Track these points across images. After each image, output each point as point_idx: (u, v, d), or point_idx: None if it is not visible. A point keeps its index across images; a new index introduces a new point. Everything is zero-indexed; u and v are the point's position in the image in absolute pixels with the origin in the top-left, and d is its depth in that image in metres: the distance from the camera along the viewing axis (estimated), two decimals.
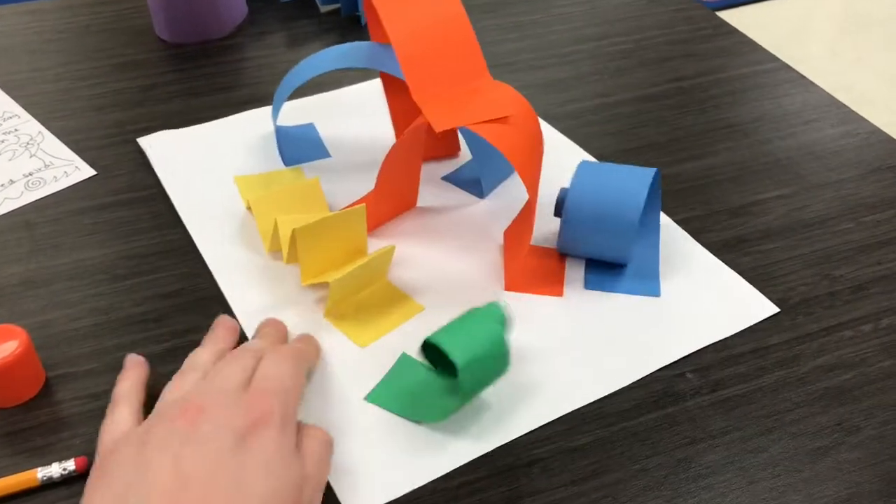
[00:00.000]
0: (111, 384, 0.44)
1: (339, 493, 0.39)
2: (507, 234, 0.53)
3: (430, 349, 0.44)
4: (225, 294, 0.49)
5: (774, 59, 0.73)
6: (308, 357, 0.44)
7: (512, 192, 0.57)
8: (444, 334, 0.41)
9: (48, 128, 0.63)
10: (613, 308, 0.49)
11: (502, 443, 0.42)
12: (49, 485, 0.40)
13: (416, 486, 0.40)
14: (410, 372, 0.45)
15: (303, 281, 0.48)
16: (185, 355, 0.42)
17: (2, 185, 0.57)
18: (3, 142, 0.61)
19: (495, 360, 0.41)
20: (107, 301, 0.49)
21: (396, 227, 0.55)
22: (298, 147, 0.61)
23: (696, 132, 0.64)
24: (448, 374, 0.44)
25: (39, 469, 0.40)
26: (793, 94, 0.68)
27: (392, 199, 0.54)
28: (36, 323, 0.48)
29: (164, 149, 0.60)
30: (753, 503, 0.39)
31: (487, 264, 0.52)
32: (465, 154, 0.61)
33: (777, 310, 0.49)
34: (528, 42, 0.75)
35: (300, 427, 0.38)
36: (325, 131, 0.63)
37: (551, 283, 0.50)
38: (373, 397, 0.44)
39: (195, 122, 0.64)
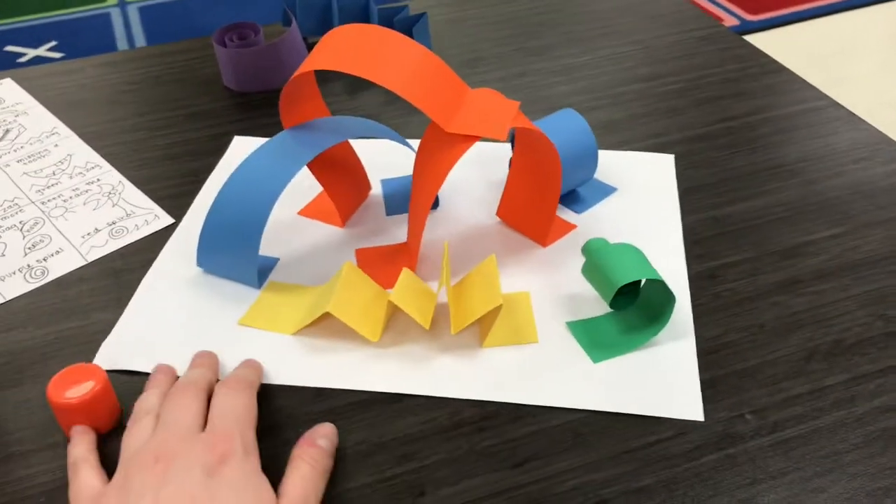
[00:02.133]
0: None
1: None
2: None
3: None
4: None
5: (823, 96, 0.74)
6: (254, 383, 0.47)
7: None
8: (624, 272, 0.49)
9: (127, 177, 0.67)
10: None
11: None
12: None
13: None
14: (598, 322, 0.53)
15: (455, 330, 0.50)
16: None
17: (88, 234, 0.61)
18: (87, 191, 0.65)
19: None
20: None
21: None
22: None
23: (745, 172, 0.65)
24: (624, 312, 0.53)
25: None
26: (842, 132, 0.70)
27: (349, 189, 0.61)
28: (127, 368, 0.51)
29: None
30: None
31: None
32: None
33: (701, 418, 0.47)
34: (580, 84, 0.77)
35: (295, 452, 0.43)
36: None
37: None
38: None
39: None
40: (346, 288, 0.51)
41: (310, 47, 0.84)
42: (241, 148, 0.70)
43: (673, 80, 0.78)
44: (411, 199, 0.55)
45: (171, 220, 0.62)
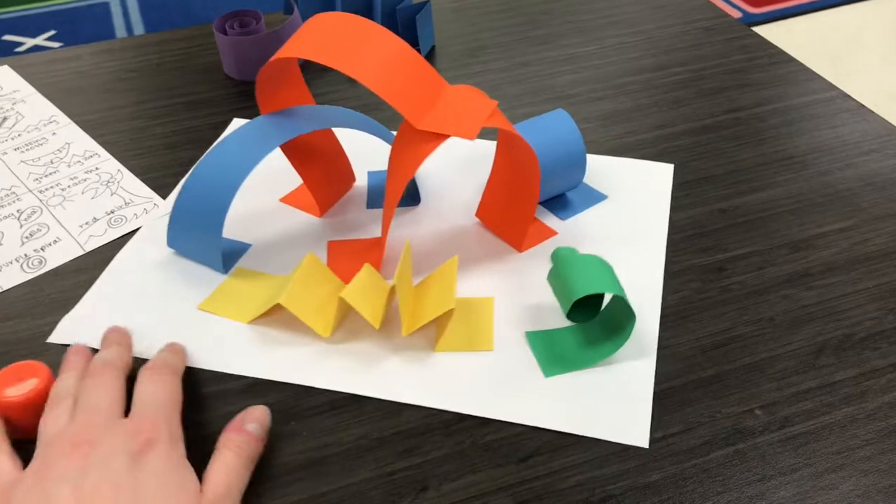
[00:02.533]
0: (187, 420, 0.46)
1: None
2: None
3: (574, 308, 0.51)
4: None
5: (831, 87, 0.73)
6: (178, 368, 0.46)
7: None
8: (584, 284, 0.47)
9: (126, 166, 0.66)
10: None
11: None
12: None
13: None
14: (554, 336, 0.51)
15: (405, 332, 0.49)
16: (265, 392, 0.44)
17: (86, 223, 0.60)
18: (85, 180, 0.64)
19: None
20: None
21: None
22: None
23: (753, 164, 0.65)
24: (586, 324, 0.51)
25: None
26: (851, 124, 0.69)
27: (329, 179, 0.60)
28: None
29: None
30: None
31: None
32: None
33: (646, 446, 0.45)
34: (585, 74, 0.76)
35: (221, 439, 0.42)
36: None
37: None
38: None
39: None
40: (303, 280, 0.50)
41: None
42: None
43: (679, 71, 0.77)
44: (385, 194, 0.54)
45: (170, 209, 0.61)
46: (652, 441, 0.45)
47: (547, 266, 0.56)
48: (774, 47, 0.80)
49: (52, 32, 2.25)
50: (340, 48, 0.49)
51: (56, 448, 0.39)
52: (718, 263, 0.56)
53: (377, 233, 0.59)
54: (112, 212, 0.61)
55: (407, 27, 0.80)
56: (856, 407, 0.46)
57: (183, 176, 0.65)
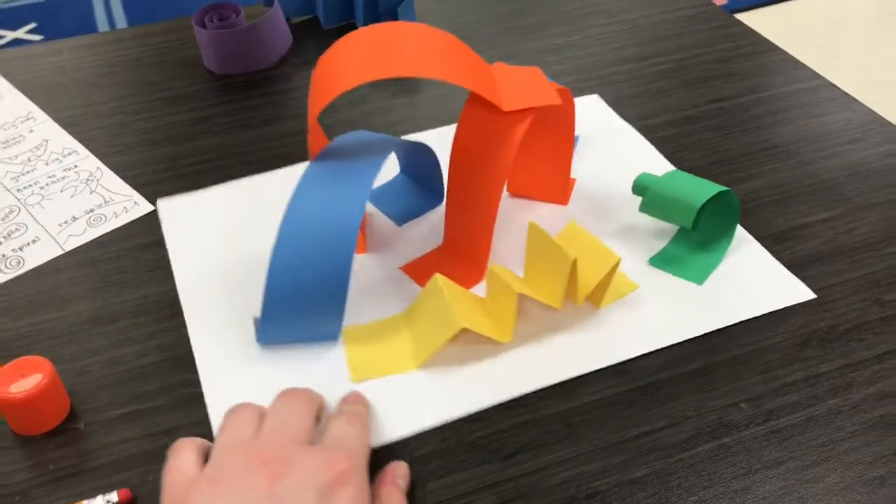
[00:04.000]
0: (180, 420, 0.46)
1: None
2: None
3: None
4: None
5: (816, 76, 0.73)
6: (367, 418, 0.44)
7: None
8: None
9: (105, 163, 0.65)
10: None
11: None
12: None
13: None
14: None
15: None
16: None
17: (65, 222, 0.59)
18: (63, 178, 0.63)
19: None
20: (172, 337, 0.51)
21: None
22: None
23: (738, 154, 0.64)
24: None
25: (85, 501, 0.42)
26: (835, 113, 0.68)
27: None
28: (105, 360, 0.50)
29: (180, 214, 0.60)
30: None
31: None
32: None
33: (814, 295, 0.52)
34: (568, 65, 0.76)
35: (384, 492, 0.40)
36: None
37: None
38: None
39: (245, 154, 0.66)
40: (455, 299, 0.47)
41: (292, 28, 0.82)
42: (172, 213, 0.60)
43: (662, 61, 0.76)
44: (461, 195, 0.52)
45: (150, 208, 0.60)
46: (639, 435, 0.45)
47: (595, 208, 0.59)
48: (759, 36, 0.79)
49: (32, 25, 2.22)
50: (398, 55, 0.46)
51: (237, 456, 0.36)
52: None
53: (421, 244, 0.56)
54: (91, 210, 0.60)
55: (388, 17, 0.79)
56: (841, 399, 0.46)
57: (163, 174, 0.64)
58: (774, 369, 0.48)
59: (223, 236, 0.57)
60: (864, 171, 0.62)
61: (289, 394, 0.42)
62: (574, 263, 0.46)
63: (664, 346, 0.49)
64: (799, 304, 0.51)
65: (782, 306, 0.51)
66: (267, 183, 0.62)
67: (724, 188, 0.53)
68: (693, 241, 0.55)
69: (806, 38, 2.16)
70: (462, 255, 0.54)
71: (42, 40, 2.14)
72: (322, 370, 0.48)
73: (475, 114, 0.51)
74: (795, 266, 0.54)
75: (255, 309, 0.48)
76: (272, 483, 0.35)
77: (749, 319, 0.50)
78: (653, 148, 0.64)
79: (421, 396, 0.47)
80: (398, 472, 0.42)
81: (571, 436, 0.45)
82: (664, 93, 0.72)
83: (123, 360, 0.50)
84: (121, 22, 2.22)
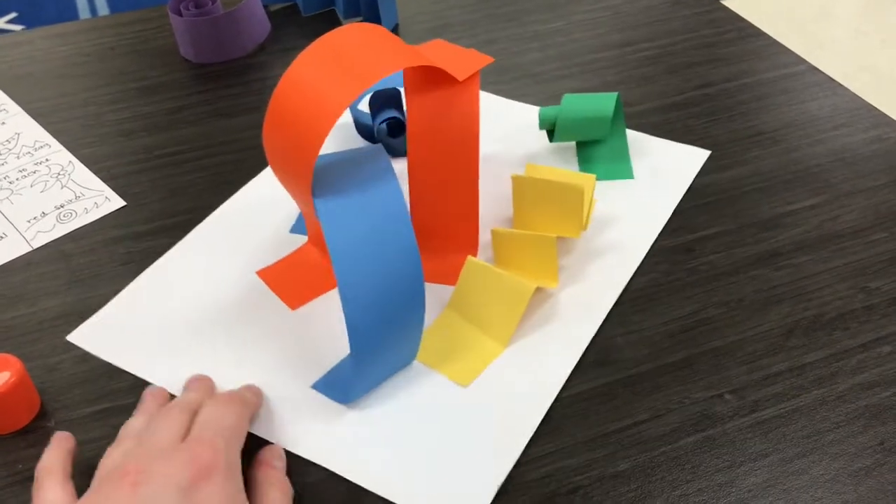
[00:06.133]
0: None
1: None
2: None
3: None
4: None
5: (801, 61, 0.72)
6: (250, 402, 0.43)
7: None
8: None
9: (77, 156, 0.64)
10: None
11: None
12: None
13: None
14: None
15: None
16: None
17: (35, 218, 0.57)
18: (34, 172, 0.62)
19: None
20: None
21: None
22: None
23: (724, 141, 0.63)
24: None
25: None
26: (821, 98, 0.68)
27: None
28: (76, 357, 0.48)
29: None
30: None
31: None
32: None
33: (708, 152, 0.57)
34: (551, 51, 0.75)
35: (261, 474, 0.39)
36: None
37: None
38: None
39: (223, 145, 0.65)
40: (505, 269, 0.50)
41: (270, 16, 0.81)
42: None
43: (647, 47, 0.75)
44: (434, 180, 0.51)
45: (122, 203, 0.59)
46: (622, 429, 0.44)
47: None
48: (744, 21, 0.78)
49: (13, 14, 2.19)
50: (352, 72, 0.43)
51: (108, 479, 0.36)
52: (688, 244, 0.54)
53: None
54: (62, 206, 0.58)
55: (369, 5, 0.77)
56: (826, 389, 0.45)
57: (137, 165, 0.63)
58: (759, 359, 0.47)
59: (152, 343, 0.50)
60: (851, 158, 0.61)
61: (159, 412, 0.41)
62: (583, 191, 0.50)
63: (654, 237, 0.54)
64: (785, 293, 0.51)
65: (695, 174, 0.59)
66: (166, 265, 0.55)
67: (614, 94, 0.59)
68: (603, 150, 0.60)
69: (791, 23, 2.15)
70: (443, 244, 0.53)
71: (24, 29, 2.11)
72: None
73: (424, 93, 0.49)
74: (780, 254, 0.53)
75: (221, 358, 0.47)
76: (133, 491, 0.35)
77: (733, 307, 0.50)
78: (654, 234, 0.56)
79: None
80: (273, 453, 0.42)
81: (552, 430, 0.44)
82: (649, 79, 0.71)
83: (95, 357, 0.48)
84: (103, 10, 2.19)
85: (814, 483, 0.41)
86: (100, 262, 0.55)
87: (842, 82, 0.69)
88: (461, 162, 0.51)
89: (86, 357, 0.48)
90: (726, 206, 0.57)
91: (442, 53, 0.50)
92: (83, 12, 2.18)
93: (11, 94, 0.72)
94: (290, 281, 0.52)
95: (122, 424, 0.44)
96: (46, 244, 0.56)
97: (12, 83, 0.73)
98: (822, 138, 0.63)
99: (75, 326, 0.50)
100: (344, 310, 0.41)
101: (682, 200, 0.58)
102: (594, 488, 0.41)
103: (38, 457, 0.43)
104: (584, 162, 0.61)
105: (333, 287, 0.51)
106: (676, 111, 0.67)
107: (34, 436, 0.44)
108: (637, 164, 0.61)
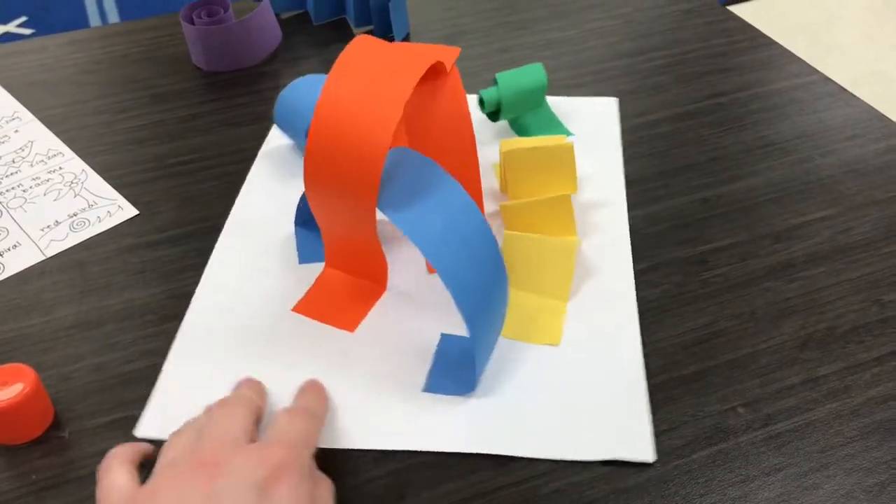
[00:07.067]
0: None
1: None
2: None
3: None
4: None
5: (813, 71, 0.72)
6: (319, 415, 0.43)
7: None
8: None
9: (90, 164, 0.64)
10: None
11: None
12: None
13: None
14: None
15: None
16: None
17: (48, 227, 0.58)
18: (48, 181, 0.62)
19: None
20: (158, 342, 0.50)
21: None
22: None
23: (736, 151, 0.63)
24: None
25: None
26: (833, 108, 0.67)
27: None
28: (91, 366, 0.49)
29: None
30: None
31: None
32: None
33: (651, 459, 0.43)
34: (563, 60, 0.75)
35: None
36: None
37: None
38: None
39: (235, 153, 0.65)
40: (543, 232, 0.53)
41: (282, 24, 0.81)
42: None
43: (658, 56, 0.75)
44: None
45: (135, 212, 0.59)
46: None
47: None
48: (755, 30, 0.78)
49: (23, 19, 2.20)
50: (377, 96, 0.44)
51: (176, 469, 0.36)
52: (701, 256, 0.54)
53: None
54: (75, 214, 0.59)
55: (380, 14, 0.78)
56: (840, 403, 0.45)
57: (149, 174, 0.63)
58: (772, 372, 0.47)
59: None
60: (863, 169, 0.61)
61: (224, 402, 0.41)
62: (573, 148, 0.54)
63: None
64: (798, 305, 0.51)
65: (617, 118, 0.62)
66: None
67: (538, 64, 0.63)
68: (534, 119, 0.64)
69: (801, 30, 2.14)
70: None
71: (33, 34, 2.12)
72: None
73: (419, 92, 0.50)
74: (793, 266, 0.53)
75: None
76: (209, 483, 0.34)
77: (746, 319, 0.50)
78: (623, 193, 0.60)
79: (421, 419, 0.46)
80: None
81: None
82: (661, 88, 0.71)
83: (109, 365, 0.49)
84: (113, 16, 2.20)
85: (828, 498, 0.41)
86: (113, 270, 0.55)
87: (852, 89, 0.69)
88: (460, 146, 0.52)
89: (100, 366, 0.49)
90: (739, 217, 0.57)
91: (418, 48, 0.50)
92: (93, 17, 2.19)
93: (25, 101, 0.72)
94: (332, 307, 0.52)
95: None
96: (60, 253, 0.56)
97: (26, 90, 0.74)
98: (834, 149, 0.63)
99: (90, 334, 0.50)
100: (454, 298, 0.43)
101: (693, 210, 0.58)
102: (607, 502, 0.41)
103: (51, 467, 0.43)
104: (523, 134, 0.64)
105: (377, 299, 0.52)
106: (688, 120, 0.67)
107: (48, 446, 0.45)
108: (565, 123, 0.66)
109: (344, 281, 0.53)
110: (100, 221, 0.58)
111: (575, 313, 0.51)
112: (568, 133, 0.65)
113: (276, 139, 0.66)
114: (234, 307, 0.52)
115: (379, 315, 0.51)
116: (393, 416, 0.45)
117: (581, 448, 0.43)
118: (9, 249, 0.56)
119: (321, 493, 0.38)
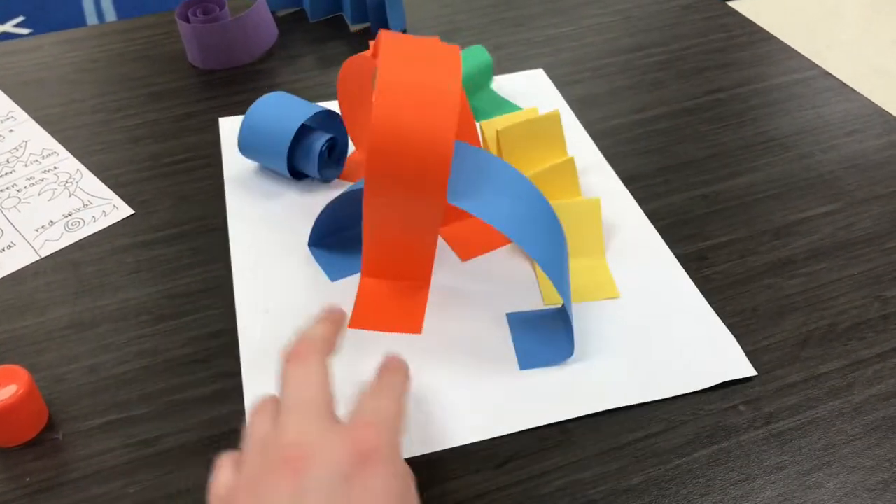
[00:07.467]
0: (161, 429, 0.44)
1: None
2: None
3: None
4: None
5: (813, 65, 0.72)
6: (404, 386, 0.40)
7: None
8: None
9: (85, 163, 0.64)
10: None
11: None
12: None
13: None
14: None
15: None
16: (235, 397, 0.42)
17: (42, 227, 0.57)
18: (42, 180, 0.61)
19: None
20: (153, 343, 0.49)
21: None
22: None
23: (735, 147, 0.63)
24: None
25: None
26: (833, 103, 0.67)
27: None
28: (85, 367, 0.48)
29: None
30: None
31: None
32: None
33: (754, 373, 0.46)
34: (562, 56, 0.74)
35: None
36: None
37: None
38: None
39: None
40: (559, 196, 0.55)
41: (278, 21, 0.80)
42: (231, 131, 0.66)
43: (657, 52, 0.74)
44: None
45: (130, 211, 0.59)
46: (635, 441, 0.43)
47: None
48: (754, 25, 0.78)
49: (20, 18, 2.19)
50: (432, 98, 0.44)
51: (263, 457, 0.35)
52: (700, 252, 0.54)
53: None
54: (69, 214, 0.58)
55: (376, 10, 0.77)
56: (842, 400, 0.45)
57: (144, 173, 0.62)
58: (774, 370, 0.46)
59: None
60: (864, 164, 0.61)
61: (297, 358, 0.38)
62: (559, 115, 0.56)
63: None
64: (799, 302, 0.50)
65: (721, 380, 0.46)
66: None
67: (478, 45, 0.68)
68: (482, 100, 0.67)
69: (800, 25, 2.14)
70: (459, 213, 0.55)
71: (30, 34, 2.12)
72: None
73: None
74: (794, 262, 0.53)
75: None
76: (295, 480, 0.33)
77: (747, 316, 0.49)
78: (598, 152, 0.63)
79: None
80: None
81: (565, 442, 0.43)
82: (660, 84, 0.70)
83: (103, 367, 0.48)
84: (110, 16, 2.19)
85: (831, 497, 0.40)
86: (108, 270, 0.54)
87: (852, 84, 0.69)
88: (465, 138, 0.53)
89: (94, 368, 0.48)
90: (739, 213, 0.57)
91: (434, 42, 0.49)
92: (90, 16, 2.19)
93: (19, 100, 0.72)
94: (388, 314, 0.51)
95: (131, 436, 0.44)
96: (54, 253, 0.55)
97: (20, 90, 0.73)
98: (834, 144, 0.63)
99: (84, 335, 0.50)
100: (544, 269, 0.45)
101: (693, 207, 0.57)
102: (607, 502, 0.41)
103: (45, 469, 0.43)
104: (479, 116, 0.65)
105: (426, 297, 0.52)
106: (687, 116, 0.66)
107: (42, 448, 0.44)
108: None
109: (388, 286, 0.52)
110: (94, 221, 0.57)
111: (615, 267, 0.53)
112: (518, 108, 0.66)
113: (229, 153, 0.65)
114: (283, 332, 0.50)
115: (435, 311, 0.51)
116: (495, 402, 0.46)
117: (687, 382, 0.46)
118: (3, 250, 0.55)
119: (411, 484, 0.36)
